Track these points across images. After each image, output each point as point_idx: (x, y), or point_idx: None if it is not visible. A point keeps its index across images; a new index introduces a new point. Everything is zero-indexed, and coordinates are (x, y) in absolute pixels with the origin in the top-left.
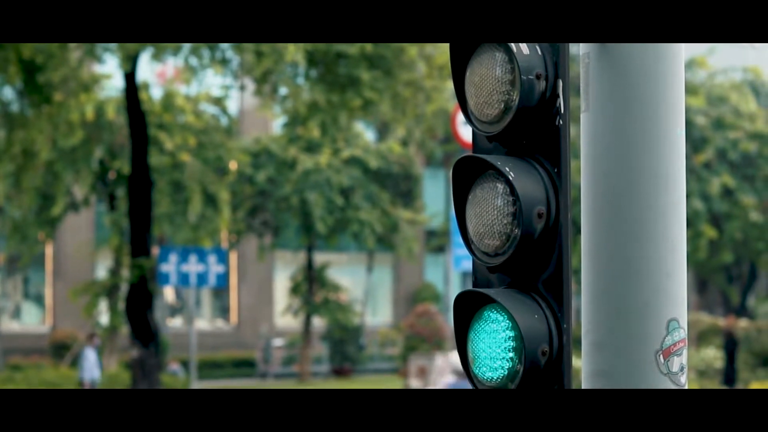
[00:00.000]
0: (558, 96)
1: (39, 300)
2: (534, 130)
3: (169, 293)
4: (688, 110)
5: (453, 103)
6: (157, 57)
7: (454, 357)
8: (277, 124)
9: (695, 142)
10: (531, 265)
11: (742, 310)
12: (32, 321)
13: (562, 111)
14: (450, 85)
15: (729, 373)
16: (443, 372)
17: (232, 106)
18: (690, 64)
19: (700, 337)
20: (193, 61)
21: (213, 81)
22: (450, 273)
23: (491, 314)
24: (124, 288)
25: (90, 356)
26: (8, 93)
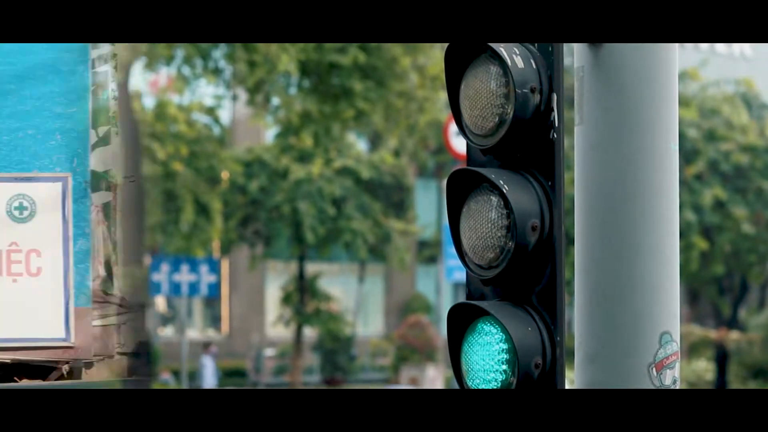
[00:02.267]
0: (552, 109)
1: None
2: (528, 144)
3: (160, 302)
4: (680, 122)
5: (445, 114)
6: (149, 66)
7: None
8: (269, 134)
9: (687, 154)
10: (525, 277)
11: (733, 323)
12: None
13: (557, 124)
14: (442, 95)
15: (720, 385)
16: (434, 382)
17: (225, 115)
18: (682, 76)
19: (691, 349)
20: (186, 70)
21: (205, 91)
22: (442, 284)
23: (485, 326)
24: None
25: (208, 365)
26: None
